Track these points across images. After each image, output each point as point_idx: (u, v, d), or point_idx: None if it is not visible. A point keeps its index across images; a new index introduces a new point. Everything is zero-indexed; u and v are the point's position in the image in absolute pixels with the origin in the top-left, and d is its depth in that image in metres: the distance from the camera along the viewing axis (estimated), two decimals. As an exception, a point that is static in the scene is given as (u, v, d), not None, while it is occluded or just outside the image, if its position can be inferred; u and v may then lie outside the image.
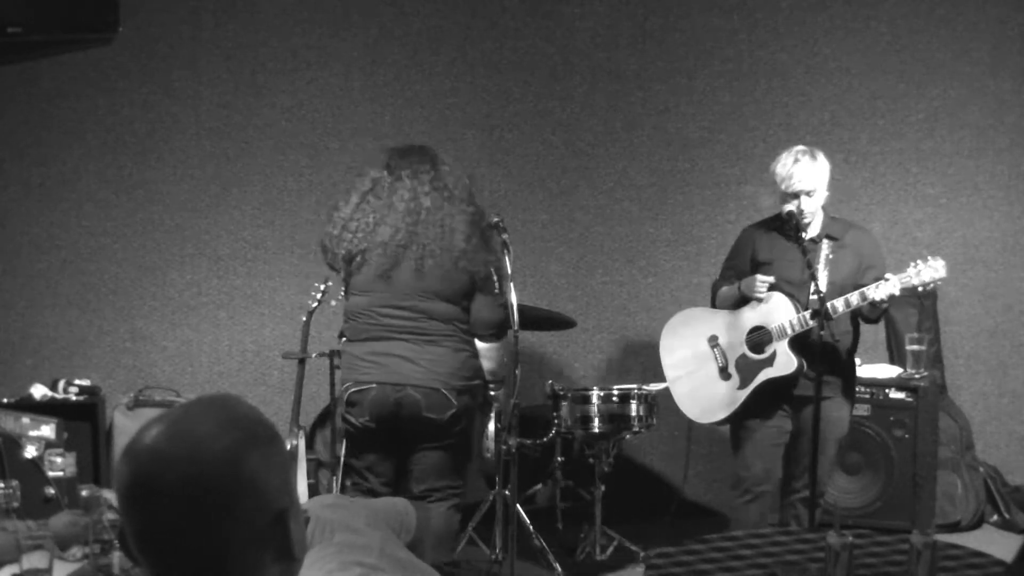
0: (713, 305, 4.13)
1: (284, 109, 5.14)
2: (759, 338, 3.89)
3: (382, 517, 1.78)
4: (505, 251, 3.66)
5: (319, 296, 4.50)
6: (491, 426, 3.92)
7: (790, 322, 3.80)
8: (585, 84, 5.32)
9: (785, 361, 3.83)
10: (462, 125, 5.18)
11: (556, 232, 5.37)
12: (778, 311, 3.84)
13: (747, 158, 5.26)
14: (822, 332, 3.61)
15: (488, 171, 5.12)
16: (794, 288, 3.84)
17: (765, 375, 3.88)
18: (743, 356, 3.93)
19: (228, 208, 5.13)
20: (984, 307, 5.37)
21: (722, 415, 3.98)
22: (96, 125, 5.00)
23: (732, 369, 3.96)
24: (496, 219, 3.77)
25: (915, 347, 4.95)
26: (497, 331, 3.73)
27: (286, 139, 5.15)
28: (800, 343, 3.82)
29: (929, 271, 3.63)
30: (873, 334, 5.34)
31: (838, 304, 3.69)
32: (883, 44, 5.32)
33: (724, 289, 4.06)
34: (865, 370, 4.97)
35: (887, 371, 4.97)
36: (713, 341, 4.02)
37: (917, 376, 4.86)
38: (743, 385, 3.93)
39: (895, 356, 5.27)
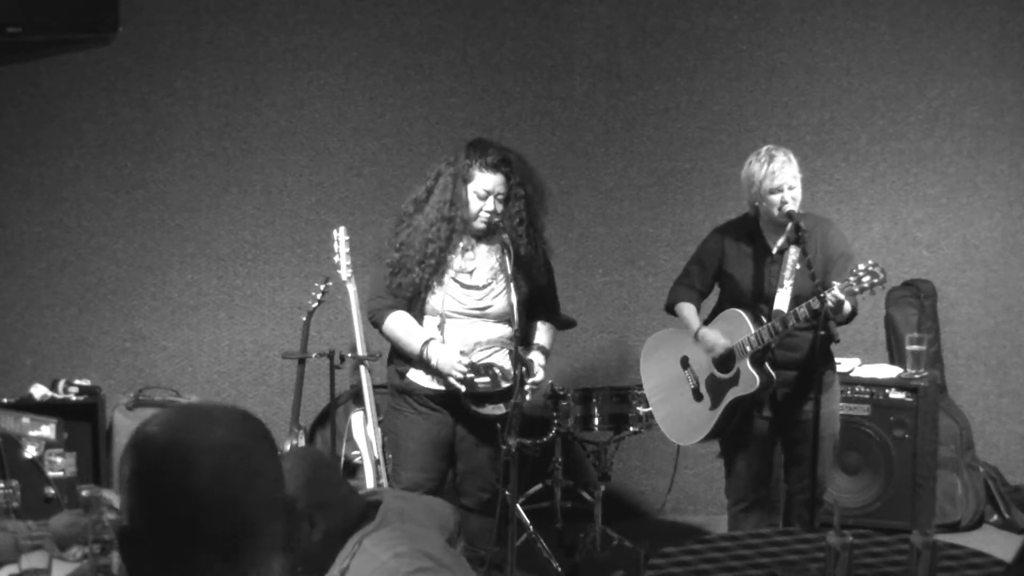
0: (671, 304, 4.06)
1: (284, 109, 5.14)
2: (725, 356, 3.84)
3: (435, 515, 1.83)
4: (505, 251, 3.64)
5: (319, 296, 4.49)
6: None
7: (748, 339, 3.74)
8: (585, 84, 5.31)
9: (748, 379, 3.76)
10: (462, 125, 5.18)
11: (556, 232, 5.33)
12: (741, 328, 3.78)
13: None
14: (822, 332, 3.58)
15: (488, 171, 5.11)
16: (765, 302, 3.79)
17: (732, 395, 3.82)
18: (712, 376, 3.88)
19: (228, 208, 5.13)
20: (984, 307, 5.37)
21: (699, 437, 3.93)
22: (96, 125, 5.00)
23: (703, 390, 3.90)
24: (496, 219, 3.75)
25: (915, 347, 4.94)
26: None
27: (286, 139, 5.15)
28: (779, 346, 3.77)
29: (868, 277, 3.53)
30: (873, 334, 5.35)
31: (800, 312, 3.62)
32: (883, 44, 5.31)
33: (687, 311, 3.97)
34: (865, 370, 4.97)
35: (887, 371, 4.96)
36: (685, 363, 3.97)
37: (917, 376, 4.86)
38: (714, 406, 3.87)
39: (895, 356, 5.26)
